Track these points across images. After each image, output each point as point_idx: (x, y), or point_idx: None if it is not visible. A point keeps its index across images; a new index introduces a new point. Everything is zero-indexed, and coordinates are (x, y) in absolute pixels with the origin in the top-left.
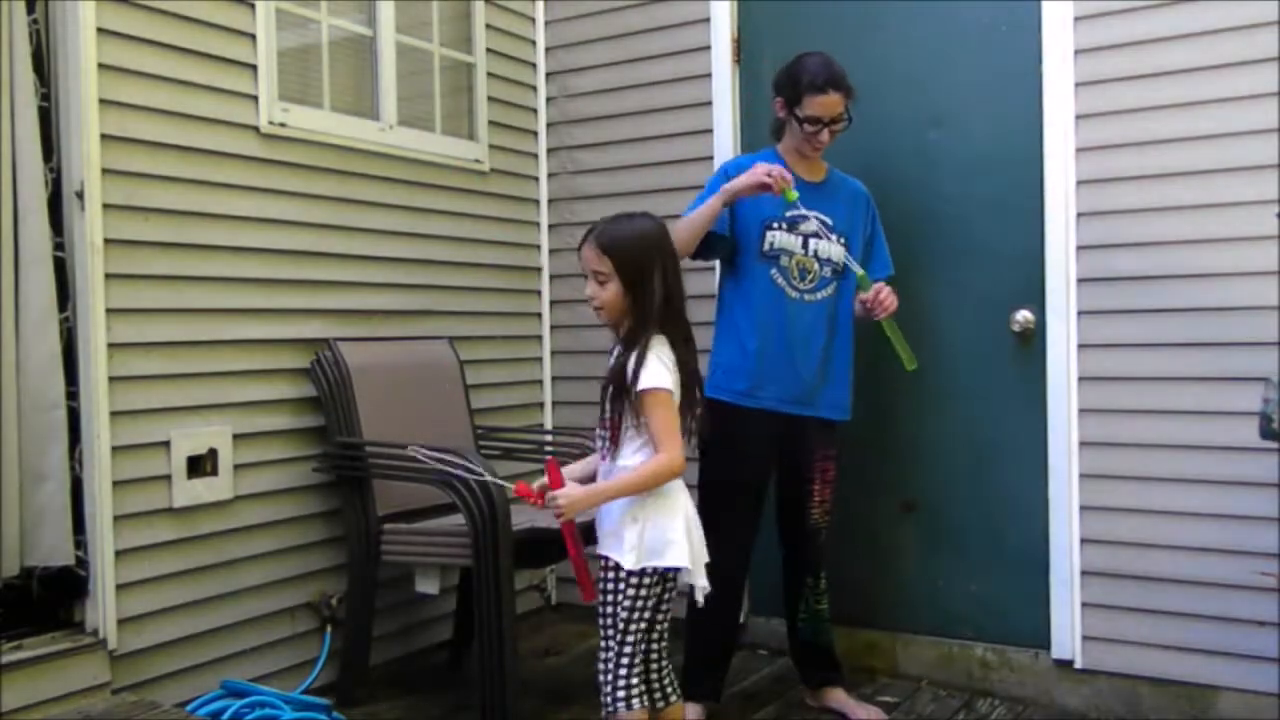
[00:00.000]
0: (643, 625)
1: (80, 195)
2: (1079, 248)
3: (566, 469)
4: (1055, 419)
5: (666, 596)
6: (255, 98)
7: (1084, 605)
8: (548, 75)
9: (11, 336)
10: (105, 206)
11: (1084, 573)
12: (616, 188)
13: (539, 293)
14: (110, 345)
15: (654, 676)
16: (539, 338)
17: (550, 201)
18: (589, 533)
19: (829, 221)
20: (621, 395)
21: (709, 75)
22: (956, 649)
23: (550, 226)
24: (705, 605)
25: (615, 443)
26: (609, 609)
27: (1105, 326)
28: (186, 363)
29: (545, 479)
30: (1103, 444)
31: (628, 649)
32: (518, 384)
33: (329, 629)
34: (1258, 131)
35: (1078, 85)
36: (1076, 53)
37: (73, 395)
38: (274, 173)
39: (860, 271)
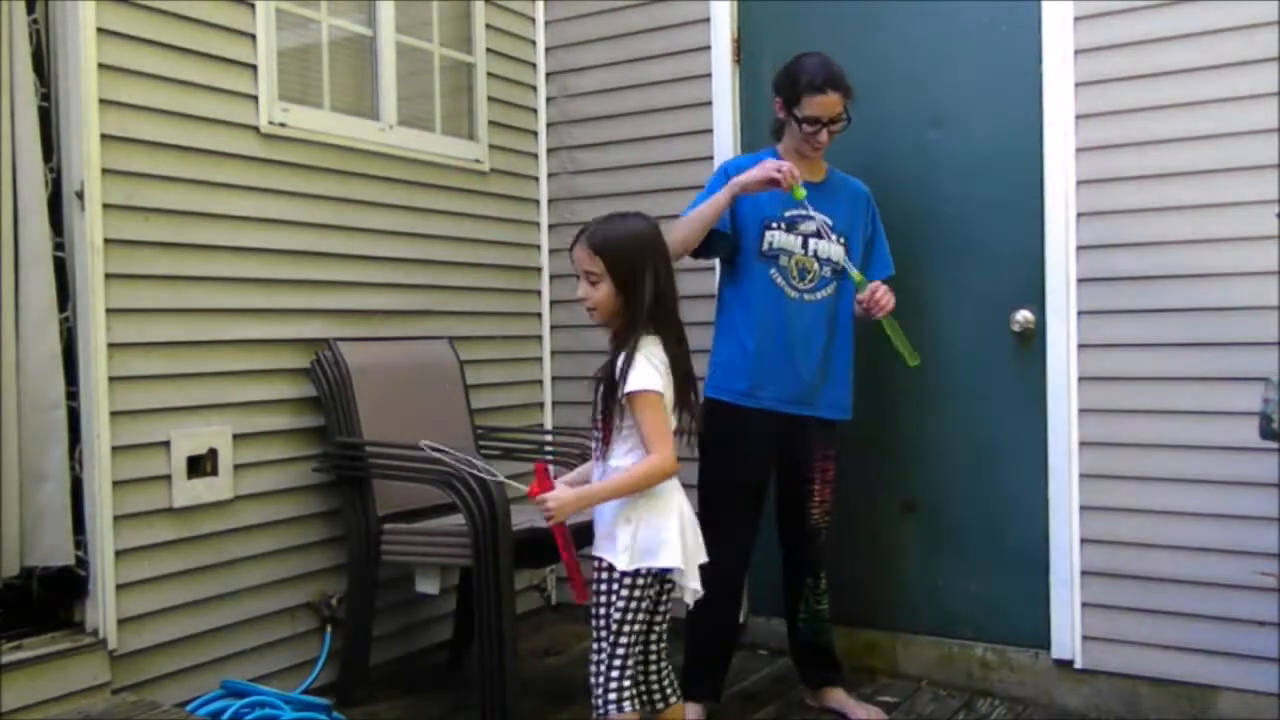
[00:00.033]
0: (636, 627)
1: (80, 195)
2: (1079, 248)
3: (573, 473)
4: (1055, 419)
5: (664, 598)
6: (255, 98)
7: (1084, 605)
8: (548, 75)
9: (11, 336)
10: (105, 206)
11: (1084, 573)
12: (616, 188)
13: (539, 293)
14: (110, 345)
15: (653, 678)
16: (539, 338)
17: (550, 201)
18: (588, 534)
19: (829, 221)
20: (612, 396)
21: (709, 75)
22: (956, 649)
23: (550, 226)
24: (705, 605)
25: (607, 443)
26: (602, 610)
27: (1105, 326)
28: (186, 363)
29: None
30: (1103, 444)
31: (620, 650)
32: (518, 384)
33: (329, 629)
34: (1258, 131)
35: (1078, 85)
36: (1076, 53)
37: (73, 395)
38: (274, 173)
39: (855, 273)
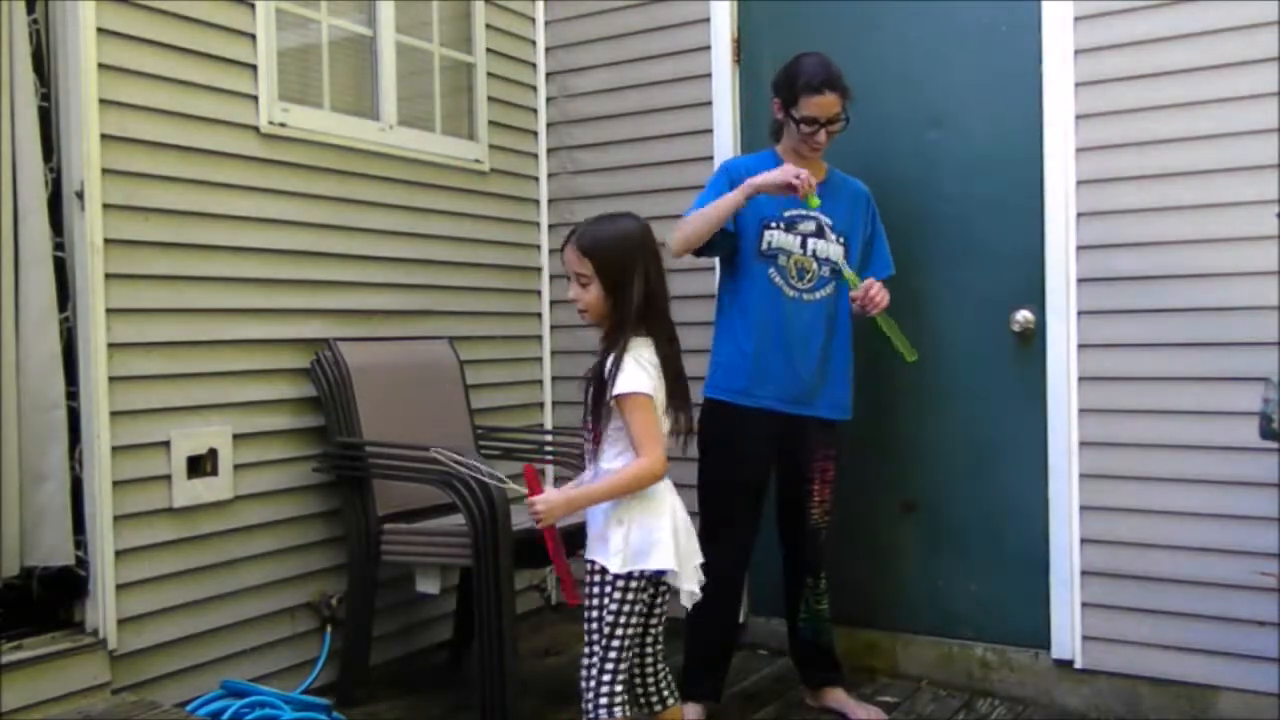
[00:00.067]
0: (630, 631)
1: (80, 195)
2: (1079, 248)
3: (573, 482)
4: (1055, 419)
5: (660, 601)
6: (255, 98)
7: (1084, 605)
8: (548, 75)
9: (11, 336)
10: (105, 206)
11: (1084, 573)
12: (616, 188)
13: (539, 293)
14: (110, 345)
15: (650, 680)
16: (539, 338)
17: (550, 201)
18: (582, 536)
19: (829, 221)
20: (601, 398)
21: (709, 75)
22: (956, 649)
23: (550, 226)
24: (705, 605)
25: (598, 445)
26: (594, 613)
27: (1105, 326)
28: (186, 363)
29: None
30: (1103, 444)
31: (612, 654)
32: (518, 384)
33: (329, 629)
34: (1258, 131)
35: (1078, 85)
36: (1076, 53)
37: (73, 395)
38: (274, 173)
39: (848, 271)
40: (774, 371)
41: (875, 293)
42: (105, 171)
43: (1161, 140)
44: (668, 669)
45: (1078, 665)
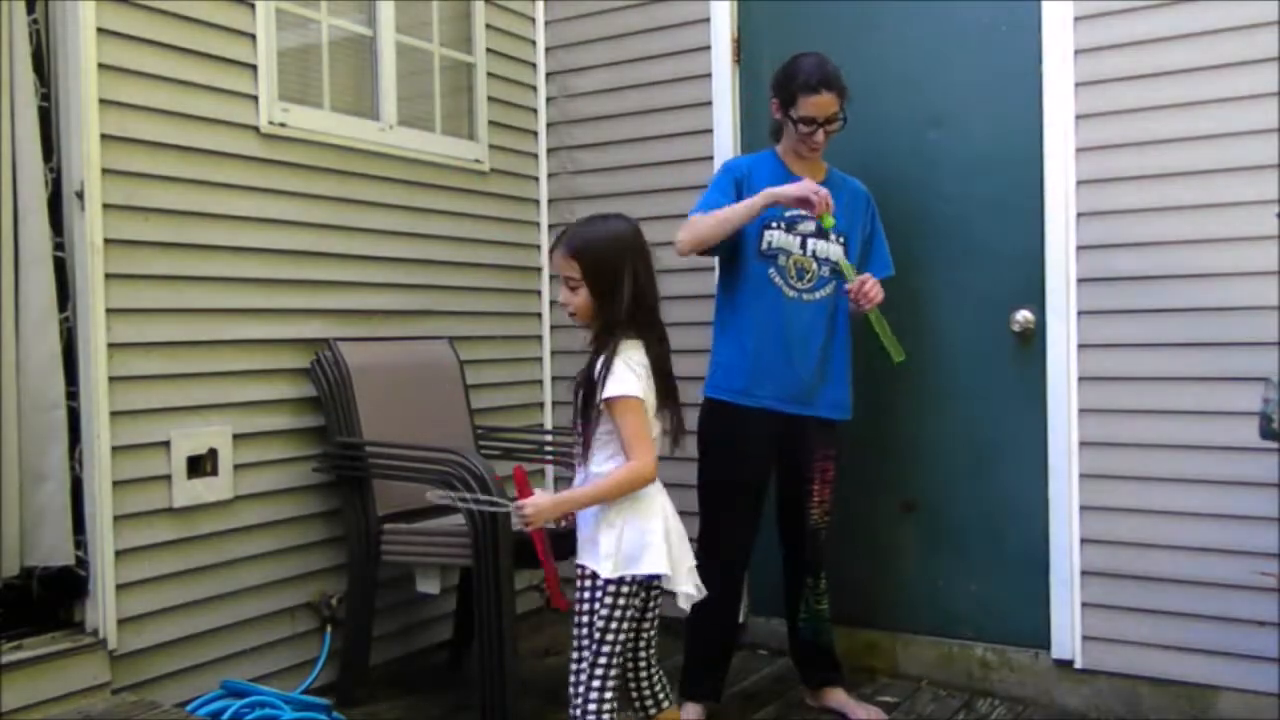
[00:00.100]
0: (621, 636)
1: (80, 195)
2: (1079, 248)
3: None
4: (1055, 419)
5: (652, 605)
6: (255, 98)
7: (1084, 605)
8: (548, 75)
9: (11, 336)
10: (105, 206)
11: (1084, 573)
12: (616, 188)
13: (539, 293)
14: (110, 345)
15: (645, 684)
16: (539, 338)
17: (550, 201)
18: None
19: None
20: (590, 401)
21: (709, 75)
22: (956, 649)
23: (550, 226)
24: (705, 605)
25: (587, 449)
26: (585, 619)
27: (1105, 326)
28: (186, 363)
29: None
30: (1103, 444)
31: (602, 660)
32: (518, 384)
33: (329, 629)
34: (1258, 131)
35: (1078, 85)
36: (1076, 53)
37: (73, 395)
38: (274, 173)
39: (845, 263)
40: (774, 371)
41: (869, 287)
42: (105, 171)
43: (1161, 140)
44: (661, 671)
45: (1078, 665)
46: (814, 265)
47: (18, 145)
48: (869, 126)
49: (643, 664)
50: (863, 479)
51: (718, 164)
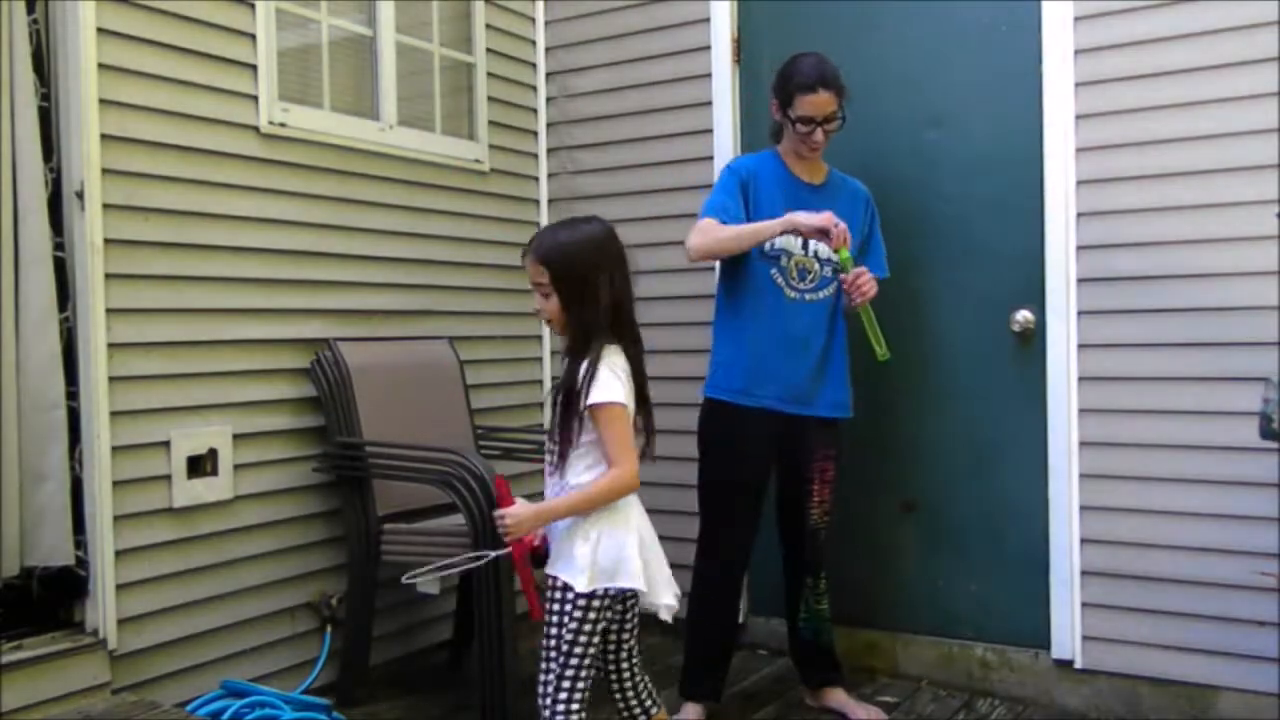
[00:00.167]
0: (591, 650)
1: (80, 195)
2: (1079, 248)
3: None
4: (1055, 419)
5: (629, 616)
6: (255, 98)
7: (1084, 605)
8: (548, 75)
9: (11, 336)
10: (105, 206)
11: (1084, 573)
12: (616, 188)
13: None
14: (110, 345)
15: (630, 693)
16: (539, 338)
17: (550, 201)
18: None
19: None
20: (572, 409)
21: (709, 75)
22: (956, 649)
23: None
24: (705, 605)
25: (565, 458)
26: (553, 630)
27: (1105, 326)
28: (186, 363)
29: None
30: (1103, 444)
31: (569, 673)
32: (518, 384)
33: (329, 629)
34: (1258, 131)
35: (1078, 85)
36: (1076, 53)
37: (73, 395)
38: (274, 173)
39: (844, 253)
40: (774, 371)
41: (864, 281)
42: (105, 171)
43: (1161, 140)
44: (646, 677)
45: (1078, 665)
46: (815, 266)
47: (18, 145)
48: (869, 126)
49: (625, 674)
50: (863, 479)
51: (718, 164)
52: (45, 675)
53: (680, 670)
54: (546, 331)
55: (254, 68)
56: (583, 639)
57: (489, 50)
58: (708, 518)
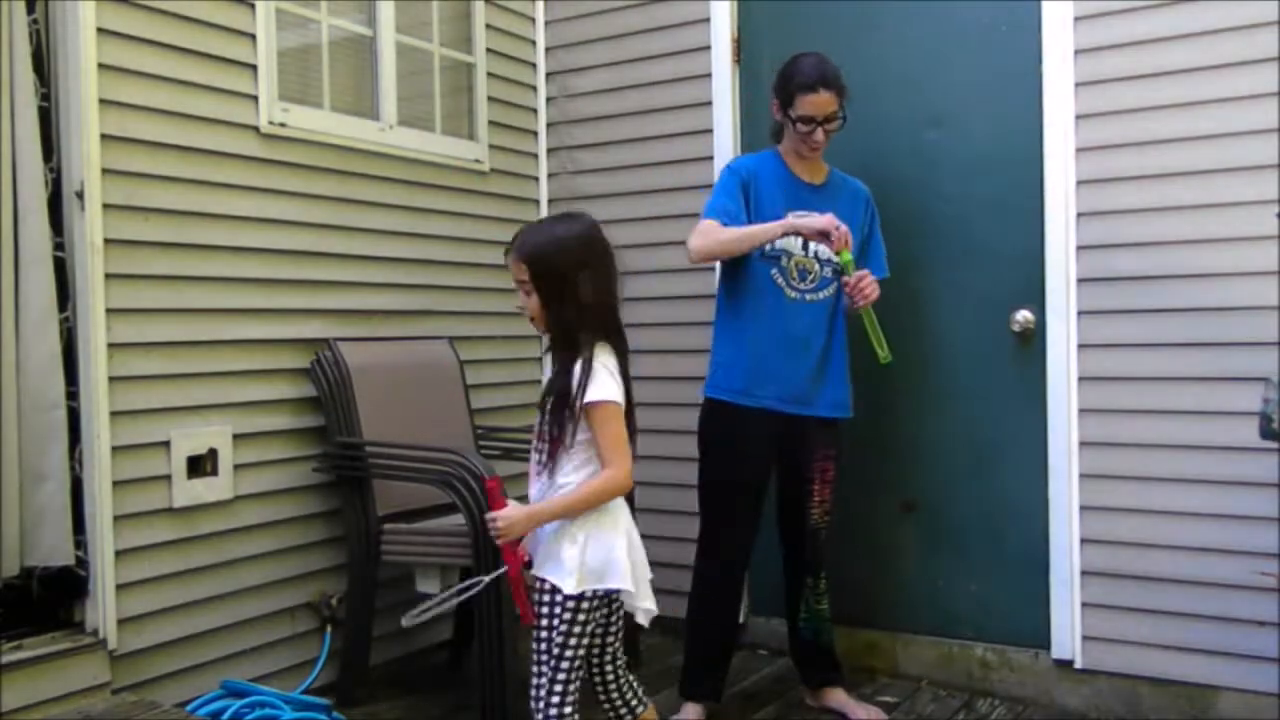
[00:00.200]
0: (580, 651)
1: (80, 195)
2: (1079, 248)
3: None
4: (1055, 419)
5: (614, 618)
6: (255, 98)
7: (1084, 605)
8: (548, 75)
9: (11, 336)
10: (105, 206)
11: (1084, 573)
12: (616, 188)
13: None
14: (110, 345)
15: (614, 693)
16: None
17: (550, 201)
18: None
19: None
20: (564, 409)
21: (709, 75)
22: (956, 649)
23: None
24: (705, 605)
25: (554, 459)
26: (544, 633)
27: (1105, 326)
28: (186, 363)
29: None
30: (1103, 444)
31: (561, 675)
32: (518, 384)
33: (329, 629)
34: (1258, 131)
35: (1078, 85)
36: (1076, 53)
37: (73, 395)
38: (274, 173)
39: (847, 255)
40: (774, 372)
41: (866, 284)
42: (105, 171)
43: (1161, 140)
44: (631, 677)
45: (1078, 665)
46: (816, 266)
47: (18, 145)
48: (869, 126)
49: (610, 675)
50: (863, 479)
51: (718, 164)
52: (45, 675)
53: (680, 670)
54: None
55: (254, 68)
56: (573, 641)
57: (489, 50)
58: (708, 518)
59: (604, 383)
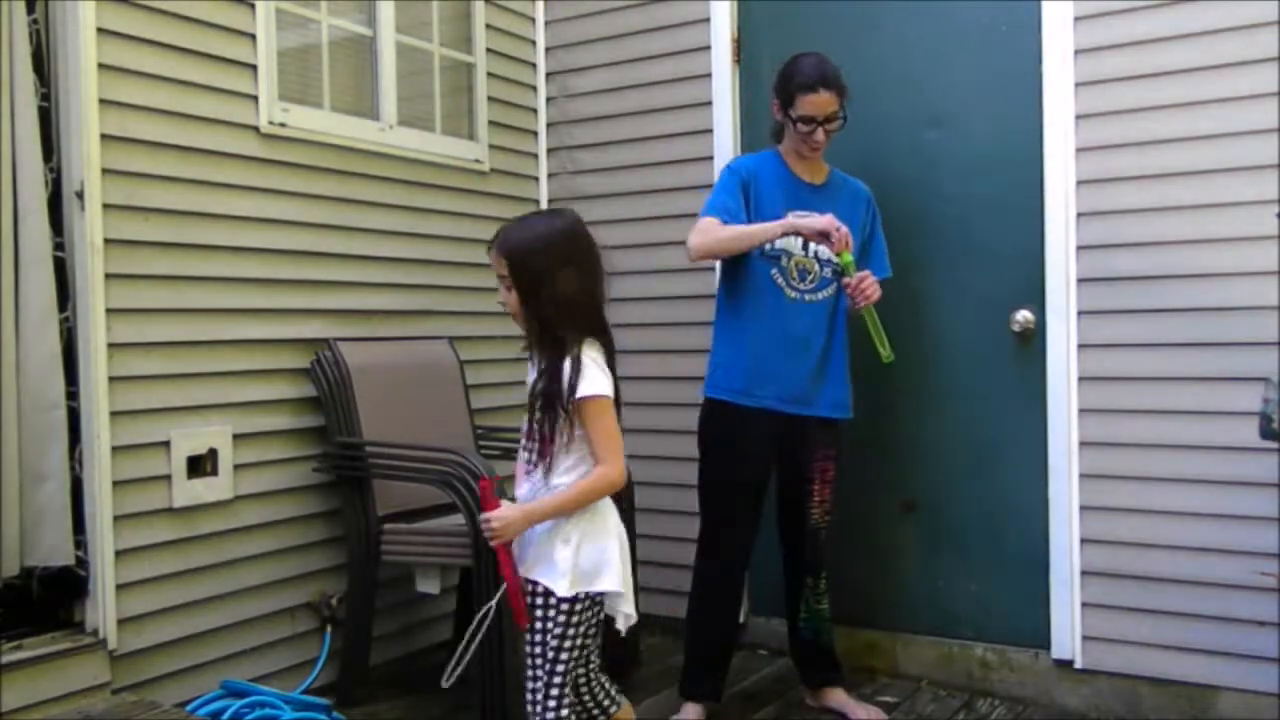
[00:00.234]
0: (575, 653)
1: (80, 195)
2: (1079, 248)
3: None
4: (1055, 419)
5: (597, 620)
6: (255, 98)
7: (1084, 605)
8: (548, 75)
9: (11, 336)
10: (105, 206)
11: (1084, 573)
12: (616, 188)
13: None
14: (110, 345)
15: (587, 696)
16: None
17: (550, 201)
18: None
19: None
20: (555, 407)
21: (709, 75)
22: (956, 649)
23: None
24: (705, 605)
25: (547, 458)
26: (538, 636)
27: (1105, 326)
28: (186, 363)
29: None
30: (1103, 444)
31: (557, 679)
32: (518, 384)
33: (329, 629)
34: (1258, 131)
35: (1078, 85)
36: (1076, 53)
37: (73, 395)
38: (274, 173)
39: (848, 256)
40: (775, 372)
41: (868, 284)
42: (105, 171)
43: (1161, 140)
44: (604, 677)
45: (1078, 665)
46: (816, 266)
47: (18, 145)
48: (869, 126)
49: (581, 677)
50: (863, 479)
51: (718, 164)
52: (45, 675)
53: (680, 670)
54: None
55: (254, 68)
56: (568, 644)
57: (489, 50)
58: (708, 518)
59: (594, 377)
